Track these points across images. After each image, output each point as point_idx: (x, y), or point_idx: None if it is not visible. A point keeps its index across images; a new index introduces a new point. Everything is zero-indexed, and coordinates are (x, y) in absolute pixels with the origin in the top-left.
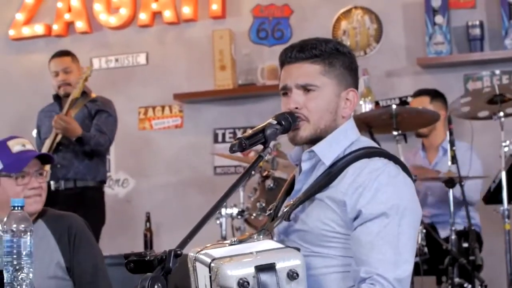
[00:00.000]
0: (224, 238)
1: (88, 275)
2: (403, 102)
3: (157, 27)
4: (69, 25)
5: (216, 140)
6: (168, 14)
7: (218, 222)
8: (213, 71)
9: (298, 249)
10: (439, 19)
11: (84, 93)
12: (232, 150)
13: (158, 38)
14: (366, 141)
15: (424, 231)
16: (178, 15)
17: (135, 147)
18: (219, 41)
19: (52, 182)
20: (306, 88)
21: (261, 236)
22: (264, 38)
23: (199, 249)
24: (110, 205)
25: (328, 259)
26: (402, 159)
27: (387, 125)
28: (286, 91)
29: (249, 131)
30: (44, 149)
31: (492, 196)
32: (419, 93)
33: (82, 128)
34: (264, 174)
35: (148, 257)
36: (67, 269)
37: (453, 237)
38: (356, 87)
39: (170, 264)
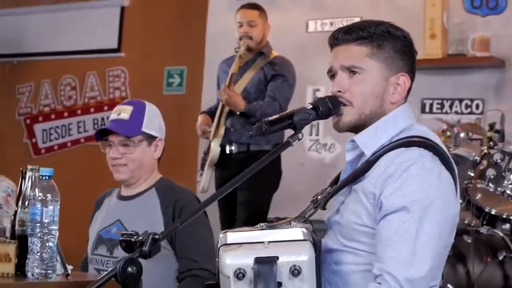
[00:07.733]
0: None
1: (187, 250)
2: None
3: None
4: None
5: (423, 110)
6: None
7: None
8: (423, 39)
9: (316, 244)
10: None
11: (262, 54)
12: (250, 135)
13: (371, 3)
14: (418, 130)
15: None
16: None
17: None
18: (431, 9)
19: (226, 145)
20: (351, 71)
21: (295, 223)
22: (478, 7)
23: (233, 230)
24: (315, 169)
25: (358, 255)
26: None
27: None
28: (333, 74)
29: (275, 115)
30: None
31: None
32: None
33: (256, 93)
34: None
35: (133, 239)
36: (168, 240)
37: None
38: (409, 72)
39: (147, 248)
